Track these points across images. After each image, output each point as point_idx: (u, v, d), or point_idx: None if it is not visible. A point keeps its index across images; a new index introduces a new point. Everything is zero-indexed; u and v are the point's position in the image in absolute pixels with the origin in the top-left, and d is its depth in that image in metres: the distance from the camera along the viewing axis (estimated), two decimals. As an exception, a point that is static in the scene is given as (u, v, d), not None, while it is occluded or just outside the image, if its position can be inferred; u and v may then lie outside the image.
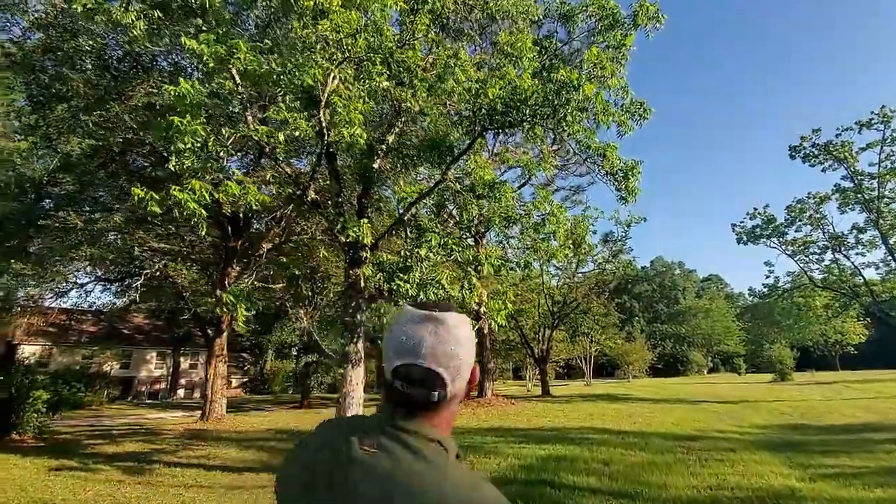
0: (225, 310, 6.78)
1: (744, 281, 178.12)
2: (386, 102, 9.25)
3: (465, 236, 10.25)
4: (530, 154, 10.82)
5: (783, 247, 26.89)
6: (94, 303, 23.19)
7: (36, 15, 10.67)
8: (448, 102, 10.12)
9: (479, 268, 8.66)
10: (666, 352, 68.00)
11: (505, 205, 10.85)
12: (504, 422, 15.03)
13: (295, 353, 24.69)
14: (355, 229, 7.46)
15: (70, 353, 39.16)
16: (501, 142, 18.91)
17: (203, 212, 5.73)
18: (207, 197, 5.81)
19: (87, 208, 12.87)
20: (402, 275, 7.65)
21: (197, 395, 43.31)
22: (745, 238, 27.09)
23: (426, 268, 7.82)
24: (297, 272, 8.69)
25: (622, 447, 9.77)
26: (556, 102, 6.81)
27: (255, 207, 6.13)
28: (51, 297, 16.89)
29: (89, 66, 11.81)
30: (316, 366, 25.21)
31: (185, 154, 6.19)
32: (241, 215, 15.05)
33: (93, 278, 17.40)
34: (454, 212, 11.19)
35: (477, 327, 21.33)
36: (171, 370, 45.41)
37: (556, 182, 25.81)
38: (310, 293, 12.14)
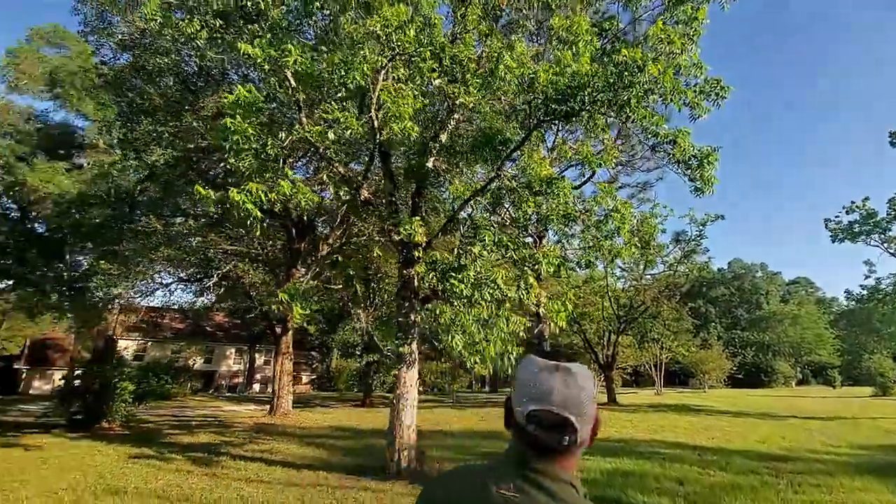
0: (282, 308, 6.89)
1: (838, 283, 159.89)
2: (438, 100, 9.07)
3: (522, 235, 9.81)
4: (591, 148, 10.19)
5: (885, 244, 23.69)
6: (177, 301, 25.07)
7: (121, 36, 11.66)
8: (502, 97, 9.80)
9: (537, 267, 8.21)
10: (747, 361, 62.52)
11: (563, 202, 10.32)
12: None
13: (357, 352, 25.27)
14: (407, 227, 7.32)
15: (161, 348, 42.68)
16: (561, 138, 18.20)
17: (258, 213, 5.82)
18: (263, 198, 5.90)
19: (168, 213, 13.92)
20: (455, 274, 7.40)
21: (270, 389, 45.86)
22: (840, 235, 24.17)
23: (480, 266, 7.51)
24: (352, 272, 8.74)
25: (698, 465, 8.87)
26: (617, 86, 6.26)
27: (305, 206, 6.16)
28: (139, 296, 18.45)
29: (170, 83, 12.73)
30: (377, 365, 25.61)
31: (243, 156, 6.36)
32: (304, 218, 15.58)
33: (175, 279, 18.84)
34: (510, 211, 10.79)
35: (537, 330, 20.69)
36: (247, 366, 48.44)
37: (621, 179, 24.49)
38: (368, 294, 12.30)
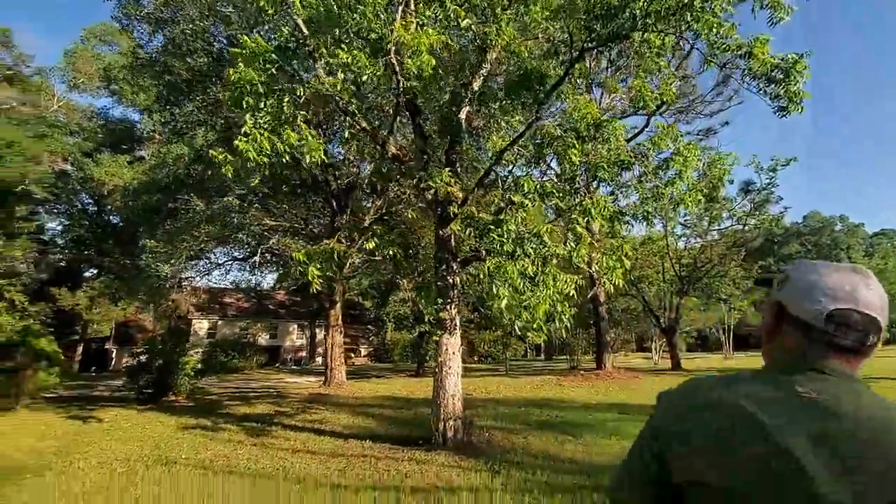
0: (299, 272, 6.55)
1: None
2: (468, 41, 8.19)
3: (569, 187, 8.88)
4: (646, 82, 8.96)
5: None
6: (235, 280, 26.13)
7: (149, 9, 11.56)
8: (539, 35, 8.75)
9: (587, 220, 7.35)
10: (828, 321, 57.31)
11: (615, 146, 9.26)
12: (628, 397, 13.48)
13: (408, 324, 25.32)
14: (438, 180, 6.68)
15: (230, 326, 45.23)
16: (609, 76, 16.59)
17: (264, 159, 5.38)
18: (268, 146, 5.45)
19: (213, 192, 14.12)
20: (494, 229, 6.72)
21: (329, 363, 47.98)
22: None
23: (522, 219, 6.77)
24: (389, 238, 8.30)
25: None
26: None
27: (314, 160, 5.65)
28: (198, 276, 19.19)
29: (200, 58, 12.58)
30: (428, 336, 25.62)
31: (261, 115, 5.93)
32: (342, 188, 15.31)
33: (229, 258, 19.46)
34: (554, 166, 9.83)
35: (591, 293, 19.62)
36: (309, 340, 50.74)
37: (680, 128, 22.34)
38: (408, 261, 11.94)
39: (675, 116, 20.24)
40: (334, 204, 15.75)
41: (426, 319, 8.40)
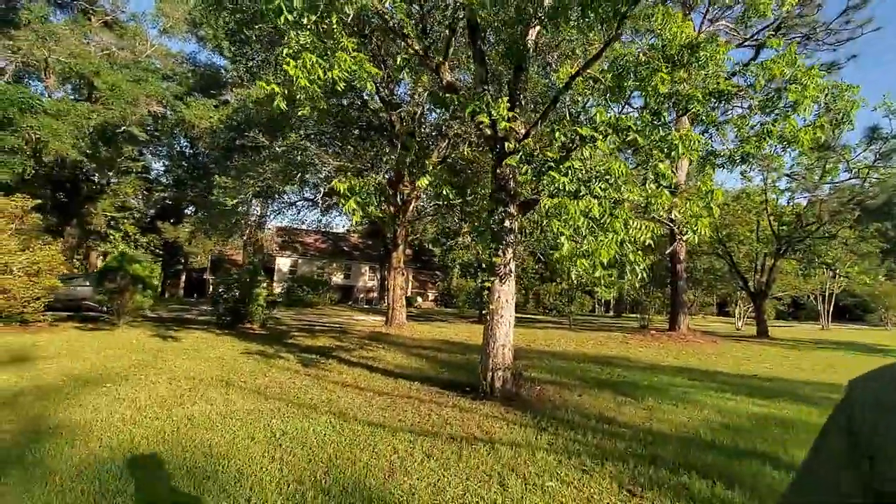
0: (342, 202, 6.28)
1: None
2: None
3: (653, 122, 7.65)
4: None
5: None
6: (306, 220, 27.15)
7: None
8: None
9: (672, 153, 6.32)
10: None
11: (713, 73, 7.93)
12: (701, 362, 12.41)
13: (472, 271, 25.09)
14: (494, 112, 5.96)
15: (309, 264, 48.11)
16: None
17: (316, 89, 4.99)
18: (321, 73, 5.03)
19: (279, 131, 14.31)
20: (556, 166, 5.96)
21: (415, 304, 50.08)
22: None
23: (590, 154, 5.93)
24: (440, 175, 7.79)
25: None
26: None
27: (368, 86, 5.17)
28: (272, 215, 20.10)
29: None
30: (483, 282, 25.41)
31: (304, 34, 5.51)
32: (406, 128, 14.83)
33: (300, 198, 20.13)
34: (635, 100, 8.55)
35: (669, 249, 18.02)
36: (379, 281, 53.05)
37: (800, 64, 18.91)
38: (467, 203, 11.43)
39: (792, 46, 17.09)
40: (398, 146, 15.38)
41: (482, 266, 7.91)
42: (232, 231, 19.62)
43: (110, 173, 34.30)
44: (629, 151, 7.30)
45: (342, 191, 6.64)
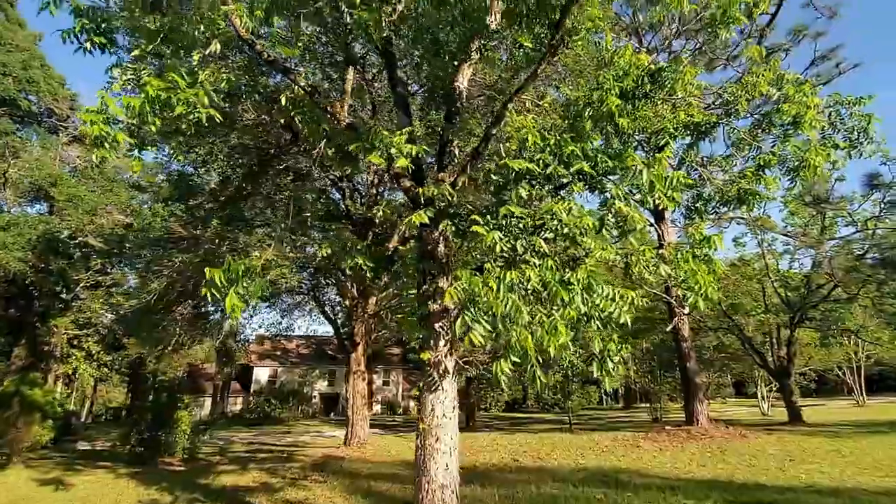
0: (211, 296, 4.25)
1: None
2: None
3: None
4: None
5: None
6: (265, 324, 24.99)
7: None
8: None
9: (644, 194, 4.59)
10: None
11: (685, 103, 6.65)
12: (735, 471, 9.64)
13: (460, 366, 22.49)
14: (393, 147, 4.27)
15: (289, 373, 44.58)
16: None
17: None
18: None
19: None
20: (484, 216, 4.16)
21: (400, 410, 45.43)
22: None
23: (528, 194, 4.18)
24: (345, 241, 6.05)
25: None
26: None
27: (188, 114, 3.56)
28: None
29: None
30: (477, 382, 22.58)
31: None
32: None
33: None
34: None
35: (671, 326, 15.85)
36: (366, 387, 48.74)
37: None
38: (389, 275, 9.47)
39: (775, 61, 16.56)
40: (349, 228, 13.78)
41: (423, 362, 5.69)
42: (172, 345, 17.09)
43: (77, 288, 32.45)
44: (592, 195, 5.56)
45: (218, 280, 4.59)
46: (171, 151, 11.17)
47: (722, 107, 6.89)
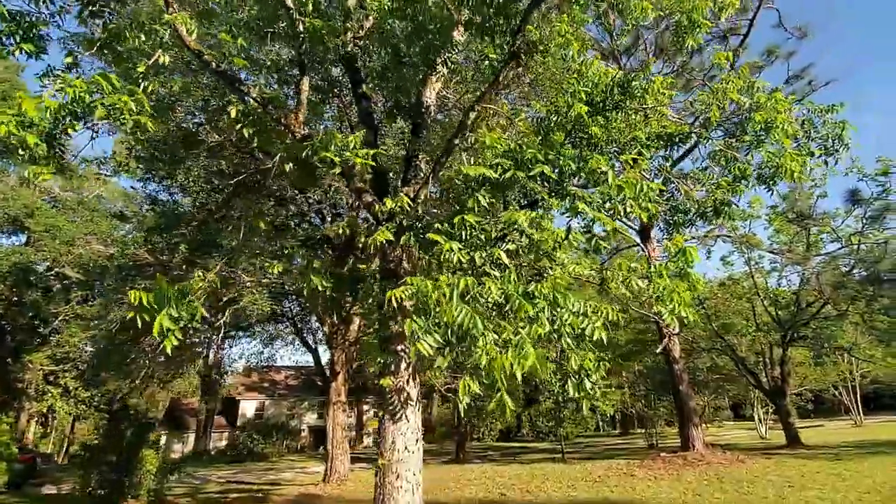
0: (140, 319, 3.83)
1: None
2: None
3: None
4: None
5: None
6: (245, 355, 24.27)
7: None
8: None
9: (619, 204, 4.31)
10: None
11: (657, 113, 6.52)
12: (730, 500, 9.13)
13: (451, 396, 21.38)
14: (348, 151, 3.99)
15: (277, 405, 43.17)
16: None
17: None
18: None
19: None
20: (443, 225, 3.84)
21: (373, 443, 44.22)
22: None
23: (497, 202, 3.92)
24: (301, 258, 5.69)
25: None
26: None
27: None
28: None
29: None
30: (468, 411, 21.79)
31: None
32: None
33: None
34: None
35: (662, 347, 15.47)
36: (357, 419, 47.54)
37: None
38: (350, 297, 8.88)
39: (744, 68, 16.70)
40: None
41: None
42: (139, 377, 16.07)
43: (56, 321, 31.43)
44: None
45: (144, 302, 4.16)
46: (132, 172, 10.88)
47: (695, 117, 6.73)
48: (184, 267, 10.31)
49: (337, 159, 3.95)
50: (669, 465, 13.46)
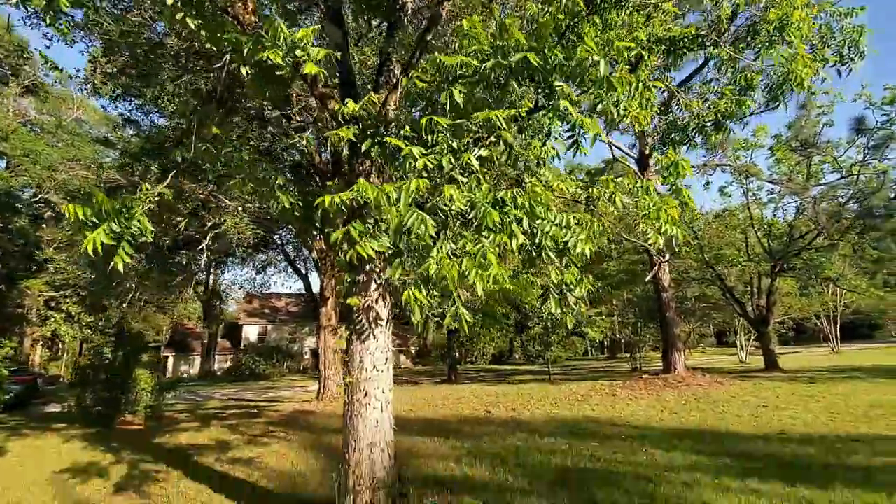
0: (75, 232, 3.52)
1: None
2: None
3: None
4: None
5: None
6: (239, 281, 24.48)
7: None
8: None
9: (612, 104, 3.85)
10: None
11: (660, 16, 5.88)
12: (705, 418, 9.47)
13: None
14: (298, 48, 3.47)
15: (279, 330, 44.49)
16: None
17: None
18: None
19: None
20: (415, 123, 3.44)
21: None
22: None
23: (476, 97, 3.49)
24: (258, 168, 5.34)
25: None
26: None
27: None
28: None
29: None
30: (458, 336, 22.42)
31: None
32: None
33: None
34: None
35: (651, 275, 15.52)
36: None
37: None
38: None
39: None
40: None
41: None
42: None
43: (50, 249, 31.31)
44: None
45: (81, 216, 3.77)
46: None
47: (704, 16, 6.05)
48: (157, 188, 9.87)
49: (281, 60, 3.44)
50: (650, 386, 13.98)
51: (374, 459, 4.12)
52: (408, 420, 10.49)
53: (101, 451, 8.36)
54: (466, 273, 2.77)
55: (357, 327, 4.35)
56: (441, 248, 2.90)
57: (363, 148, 3.78)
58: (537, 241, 3.74)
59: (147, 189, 4.36)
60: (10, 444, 9.18)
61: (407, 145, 3.31)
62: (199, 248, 11.50)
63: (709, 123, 5.43)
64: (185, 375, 43.80)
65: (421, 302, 2.91)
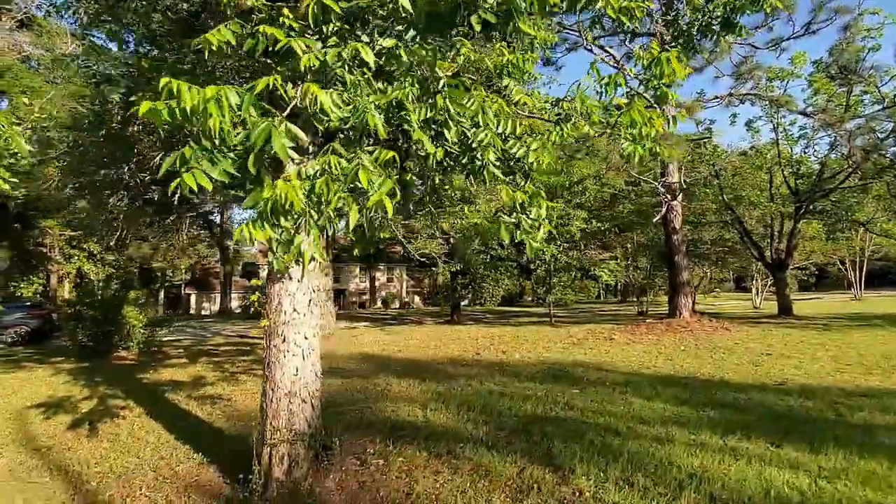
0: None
1: None
2: None
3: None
4: None
5: None
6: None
7: None
8: None
9: None
10: None
11: None
12: (701, 364, 8.97)
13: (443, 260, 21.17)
14: None
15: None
16: None
17: None
18: None
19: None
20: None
21: (396, 305, 47.09)
22: None
23: None
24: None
25: None
26: None
27: None
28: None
29: None
30: (461, 276, 22.08)
31: None
32: None
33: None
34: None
35: (659, 216, 14.59)
36: (370, 282, 50.30)
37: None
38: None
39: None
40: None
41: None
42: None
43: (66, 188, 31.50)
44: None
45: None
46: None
47: None
48: (119, 118, 9.28)
49: None
50: (651, 331, 13.48)
51: (294, 411, 3.72)
52: (391, 360, 10.32)
53: (81, 385, 8.41)
54: (323, 198, 2.15)
55: (290, 263, 3.80)
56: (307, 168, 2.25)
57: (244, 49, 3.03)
58: (477, 155, 3.09)
59: (25, 102, 3.75)
60: (2, 376, 9.35)
61: (290, 38, 2.57)
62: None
63: (716, 22, 4.43)
64: (207, 312, 45.47)
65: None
